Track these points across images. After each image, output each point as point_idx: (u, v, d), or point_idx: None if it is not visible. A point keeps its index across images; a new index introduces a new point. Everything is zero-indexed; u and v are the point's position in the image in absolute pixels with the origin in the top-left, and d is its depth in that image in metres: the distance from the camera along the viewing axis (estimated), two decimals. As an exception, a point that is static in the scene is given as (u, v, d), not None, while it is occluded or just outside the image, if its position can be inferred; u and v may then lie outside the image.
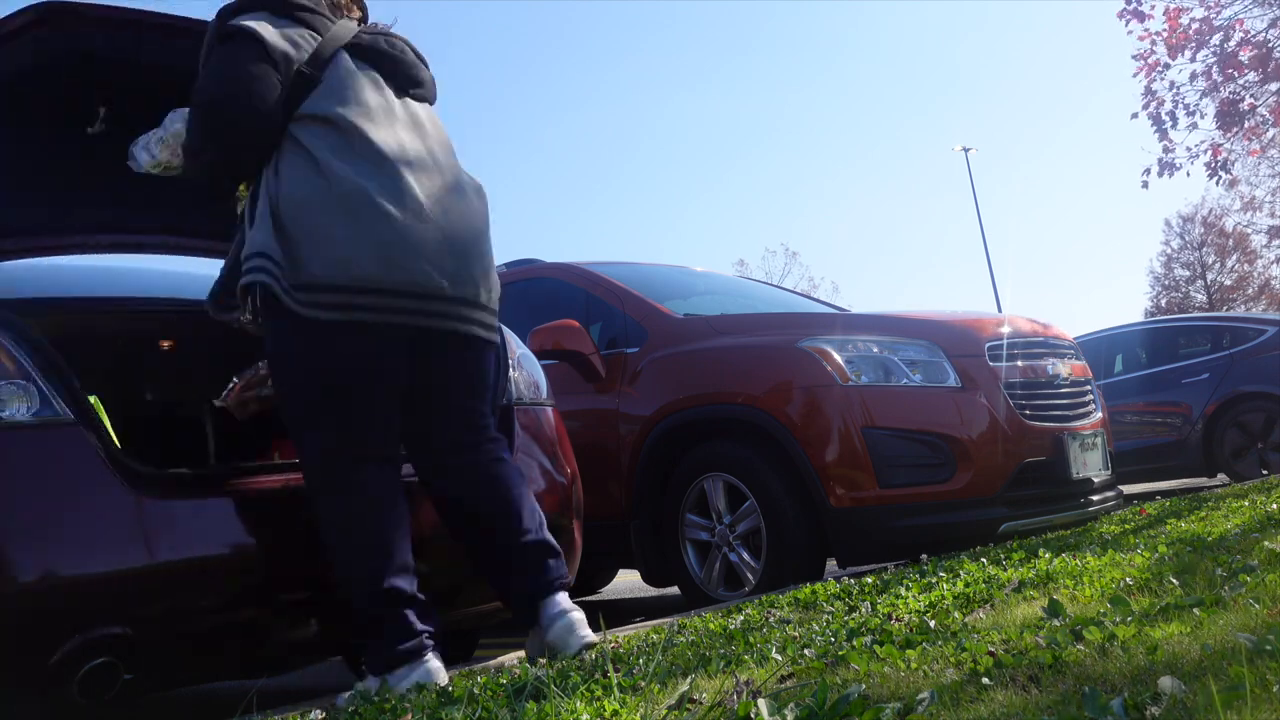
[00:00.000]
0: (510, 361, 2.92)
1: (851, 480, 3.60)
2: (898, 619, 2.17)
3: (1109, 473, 4.35)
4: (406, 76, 2.37)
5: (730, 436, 3.90)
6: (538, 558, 2.32)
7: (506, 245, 62.74)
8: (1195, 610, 1.76)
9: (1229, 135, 9.63)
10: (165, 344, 3.01)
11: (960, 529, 3.68)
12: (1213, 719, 1.09)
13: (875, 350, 3.80)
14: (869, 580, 2.98)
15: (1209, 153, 9.77)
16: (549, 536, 2.36)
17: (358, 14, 2.47)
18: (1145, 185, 9.86)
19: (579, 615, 2.30)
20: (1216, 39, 9.15)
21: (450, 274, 2.19)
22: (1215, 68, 9.23)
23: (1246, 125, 9.51)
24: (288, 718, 2.02)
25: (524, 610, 2.32)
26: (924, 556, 3.51)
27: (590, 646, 2.23)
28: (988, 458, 3.71)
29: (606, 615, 3.08)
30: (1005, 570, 2.75)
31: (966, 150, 29.05)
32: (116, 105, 2.72)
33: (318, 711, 2.00)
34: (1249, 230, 33.97)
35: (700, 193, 58.38)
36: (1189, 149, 9.71)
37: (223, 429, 3.21)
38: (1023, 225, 54.19)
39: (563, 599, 2.31)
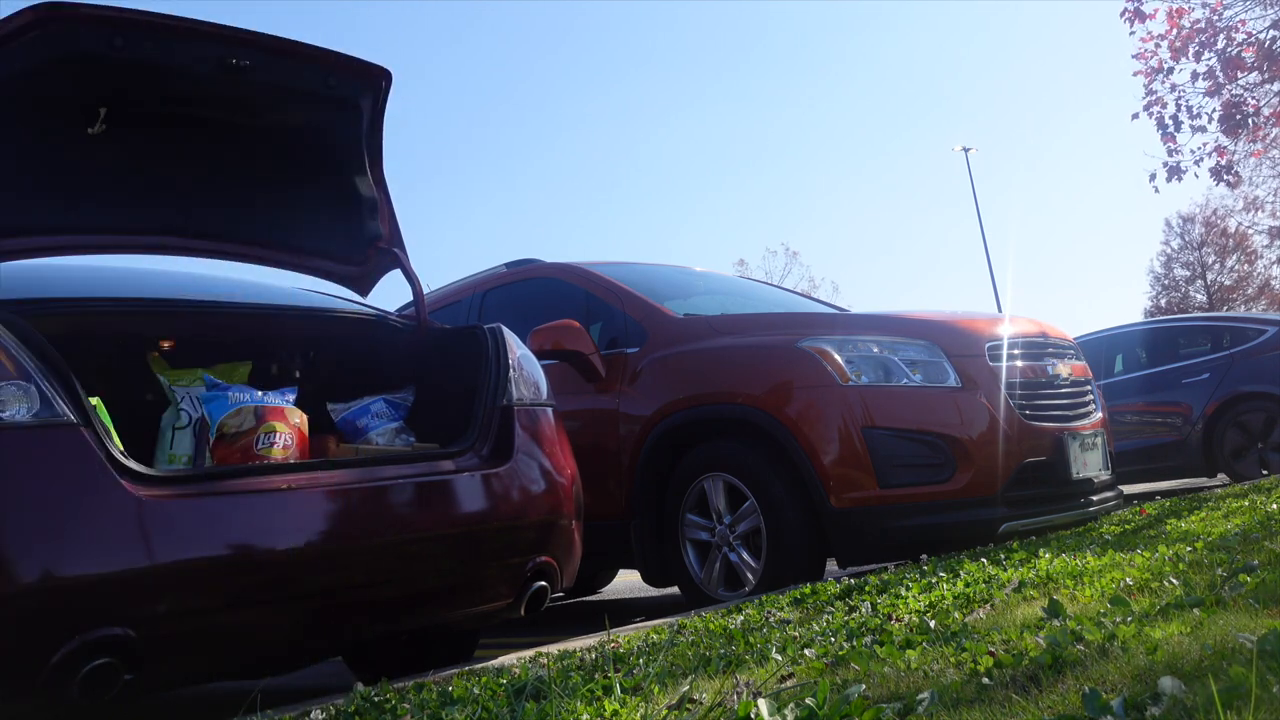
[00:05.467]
0: (510, 362, 2.93)
1: (852, 480, 3.60)
2: (898, 619, 2.17)
3: (1109, 473, 4.35)
4: None
5: (730, 436, 3.90)
6: None
7: (507, 245, 62.70)
8: (1195, 610, 1.76)
9: (1234, 139, 9.64)
10: (165, 344, 3.01)
11: (960, 529, 3.67)
12: (1213, 719, 1.09)
13: (875, 350, 3.80)
14: (869, 580, 2.98)
15: (1214, 155, 9.78)
16: None
17: None
18: (1156, 190, 9.89)
19: None
20: (1220, 41, 9.15)
21: None
22: (1219, 69, 9.23)
23: (1251, 125, 9.51)
24: (287, 718, 2.02)
25: None
26: (924, 556, 3.51)
27: None
28: (988, 458, 3.71)
29: (607, 615, 3.08)
30: (1005, 570, 2.76)
31: (966, 150, 29.07)
32: (116, 105, 2.72)
33: (318, 711, 2.00)
34: (1250, 230, 34.00)
35: (701, 193, 58.40)
36: (1193, 151, 9.73)
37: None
38: (1023, 225, 54.18)
39: None
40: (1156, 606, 1.83)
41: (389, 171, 3.16)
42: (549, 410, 3.02)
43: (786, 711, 1.33)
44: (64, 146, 2.80)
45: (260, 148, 3.06)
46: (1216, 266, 37.56)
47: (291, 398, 2.83)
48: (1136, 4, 9.42)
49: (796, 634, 2.15)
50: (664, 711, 1.52)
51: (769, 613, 2.61)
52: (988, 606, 2.22)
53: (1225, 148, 9.83)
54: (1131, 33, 9.50)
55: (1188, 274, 38.19)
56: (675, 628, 2.56)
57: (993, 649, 1.61)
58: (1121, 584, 2.21)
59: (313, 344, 3.31)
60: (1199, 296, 37.34)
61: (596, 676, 1.86)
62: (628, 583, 6.28)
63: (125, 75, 2.62)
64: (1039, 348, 4.19)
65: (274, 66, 2.77)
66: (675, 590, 4.16)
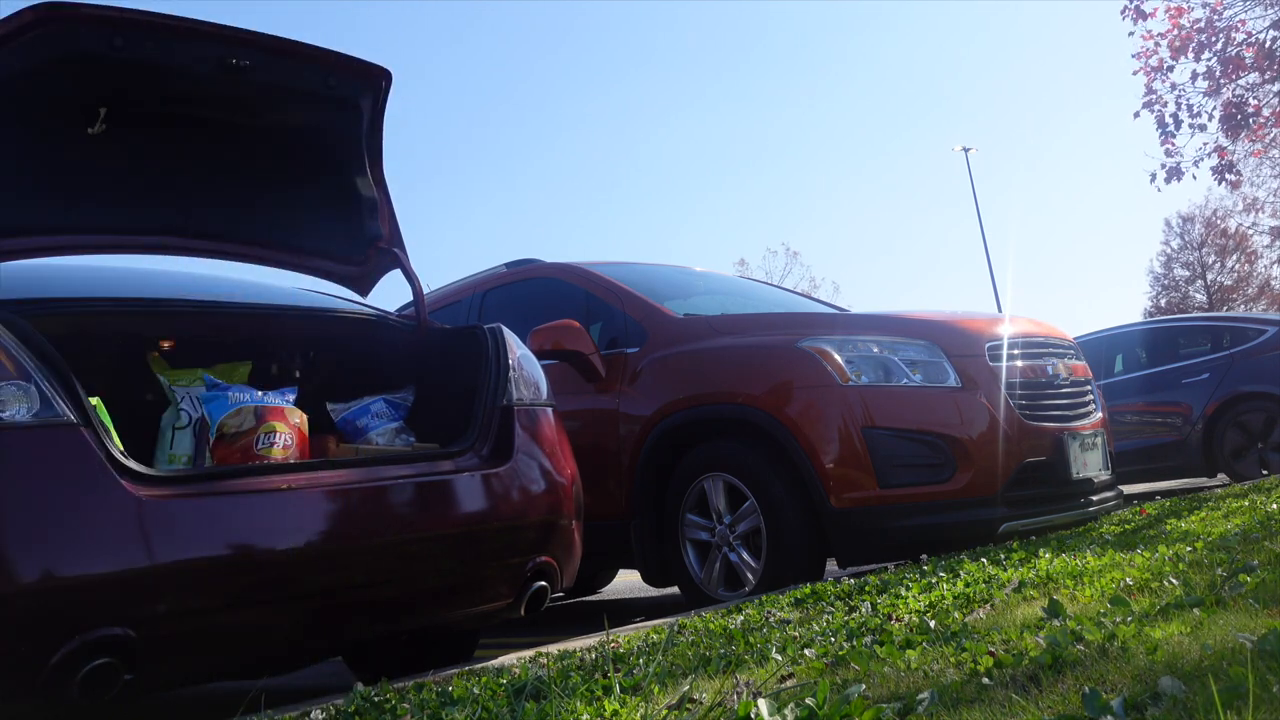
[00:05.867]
0: (510, 362, 2.93)
1: (851, 480, 3.60)
2: (898, 619, 2.17)
3: (1109, 473, 4.35)
4: None
5: (730, 436, 3.90)
6: None
7: (507, 245, 62.67)
8: (1195, 610, 1.76)
9: (1234, 139, 9.65)
10: (165, 344, 3.01)
11: (960, 529, 3.68)
12: (1213, 719, 1.09)
13: (875, 350, 3.80)
14: (869, 580, 2.98)
15: (1214, 155, 9.79)
16: None
17: None
18: (1159, 190, 9.93)
19: None
20: (1220, 41, 9.16)
21: None
22: (1218, 69, 9.23)
23: (1251, 126, 9.52)
24: (287, 718, 2.02)
25: None
26: (924, 556, 3.51)
27: None
28: (988, 458, 3.71)
29: (606, 615, 3.09)
30: (1005, 570, 2.76)
31: (966, 150, 29.07)
32: (116, 105, 2.72)
33: (318, 711, 2.00)
34: (1250, 231, 34.01)
35: (701, 193, 58.39)
36: (1195, 150, 9.74)
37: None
38: (1023, 225, 54.15)
39: None
40: (1156, 606, 1.83)
41: (389, 171, 3.16)
42: (549, 410, 3.02)
43: (786, 711, 1.33)
44: (64, 146, 2.79)
45: (260, 148, 3.06)
46: (1216, 266, 37.56)
47: (291, 398, 2.83)
48: (1137, 2, 9.42)
49: (796, 634, 2.15)
50: (664, 711, 1.52)
51: (769, 613, 2.61)
52: (988, 606, 2.22)
53: (1225, 148, 9.84)
54: (1131, 32, 9.51)
55: (1188, 274, 38.19)
56: (675, 628, 2.56)
57: (993, 649, 1.61)
58: (1121, 584, 2.21)
59: (313, 344, 3.31)
60: (1199, 296, 37.35)
61: (596, 676, 1.86)
62: (628, 583, 6.28)
63: (125, 75, 2.62)
64: (1039, 348, 4.19)
65: (274, 66, 2.77)
66: (675, 590, 4.16)
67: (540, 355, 3.74)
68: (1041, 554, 3.00)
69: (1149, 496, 5.85)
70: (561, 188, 58.04)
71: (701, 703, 1.54)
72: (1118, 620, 1.72)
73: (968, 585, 2.54)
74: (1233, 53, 9.18)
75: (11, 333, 2.12)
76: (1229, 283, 37.26)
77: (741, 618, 2.58)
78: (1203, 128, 9.60)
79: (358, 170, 3.10)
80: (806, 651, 1.89)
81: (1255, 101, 9.53)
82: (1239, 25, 9.30)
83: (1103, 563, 2.64)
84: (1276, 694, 1.13)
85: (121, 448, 2.16)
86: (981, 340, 3.94)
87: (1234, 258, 37.24)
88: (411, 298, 3.28)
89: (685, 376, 4.04)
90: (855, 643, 1.90)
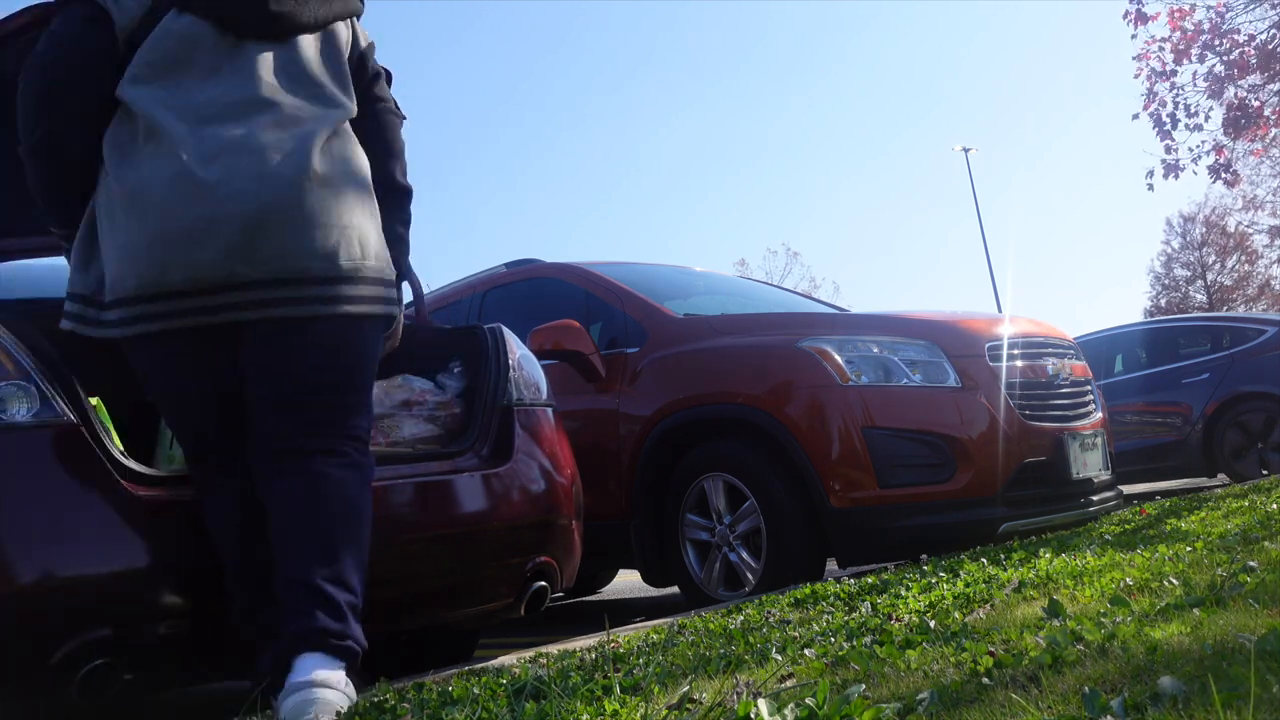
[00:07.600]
0: (510, 362, 2.93)
1: (851, 480, 3.60)
2: (898, 619, 2.17)
3: (1109, 473, 4.35)
4: (251, 15, 2.00)
5: (730, 436, 3.90)
6: (300, 602, 1.89)
7: (507, 245, 62.66)
8: (1195, 610, 1.76)
9: (1236, 139, 9.64)
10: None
11: (960, 529, 3.68)
12: (1213, 719, 1.09)
13: (875, 350, 3.80)
14: (869, 580, 2.98)
15: (1213, 154, 9.79)
16: (324, 584, 1.90)
17: None
18: (1151, 188, 9.91)
19: (327, 695, 1.78)
20: (1225, 44, 9.15)
21: (246, 255, 1.90)
22: (1221, 71, 9.22)
23: (1256, 125, 9.52)
24: (288, 718, 2.01)
25: (272, 668, 1.88)
26: (924, 556, 3.51)
27: None
28: (988, 458, 3.71)
29: (606, 615, 3.09)
30: (1005, 570, 2.76)
31: (966, 150, 29.07)
32: (116, 105, 2.71)
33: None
34: (1250, 230, 34.00)
35: (701, 193, 58.41)
36: (1192, 149, 9.74)
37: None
38: (1023, 225, 54.19)
39: (316, 665, 1.83)
40: (1156, 606, 1.83)
41: (389, 171, 3.15)
42: (549, 410, 3.02)
43: (786, 711, 1.33)
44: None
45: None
46: (1216, 266, 37.55)
47: None
48: (1138, 5, 9.41)
49: (796, 634, 2.15)
50: (664, 711, 1.52)
51: (769, 613, 2.61)
52: (988, 606, 2.22)
53: (1224, 146, 9.83)
54: (1134, 36, 9.50)
55: (1188, 274, 38.17)
56: (675, 628, 2.56)
57: (993, 649, 1.61)
58: (1121, 584, 2.21)
59: (313, 344, 3.30)
60: (1199, 296, 37.33)
61: (596, 676, 1.86)
62: (628, 583, 6.28)
63: (125, 75, 2.61)
64: (1039, 348, 4.19)
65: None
66: (675, 590, 4.16)
67: (540, 355, 3.74)
68: (1041, 554, 3.00)
69: (1149, 496, 5.85)
70: (561, 188, 58.11)
71: (701, 703, 1.54)
72: (1118, 620, 1.72)
73: (968, 585, 2.54)
74: (1235, 54, 9.17)
75: (11, 333, 2.11)
76: (1229, 283, 37.24)
77: (741, 618, 2.58)
78: (1199, 127, 9.60)
79: (358, 170, 3.09)
80: (806, 651, 1.89)
81: (1257, 102, 9.52)
82: (1239, 29, 9.29)
83: (1103, 563, 2.64)
84: (1276, 694, 1.13)
85: (121, 448, 2.15)
86: (981, 340, 3.94)
87: (1234, 258, 37.22)
88: (411, 298, 3.28)
89: (685, 376, 4.04)
90: (855, 643, 1.90)
